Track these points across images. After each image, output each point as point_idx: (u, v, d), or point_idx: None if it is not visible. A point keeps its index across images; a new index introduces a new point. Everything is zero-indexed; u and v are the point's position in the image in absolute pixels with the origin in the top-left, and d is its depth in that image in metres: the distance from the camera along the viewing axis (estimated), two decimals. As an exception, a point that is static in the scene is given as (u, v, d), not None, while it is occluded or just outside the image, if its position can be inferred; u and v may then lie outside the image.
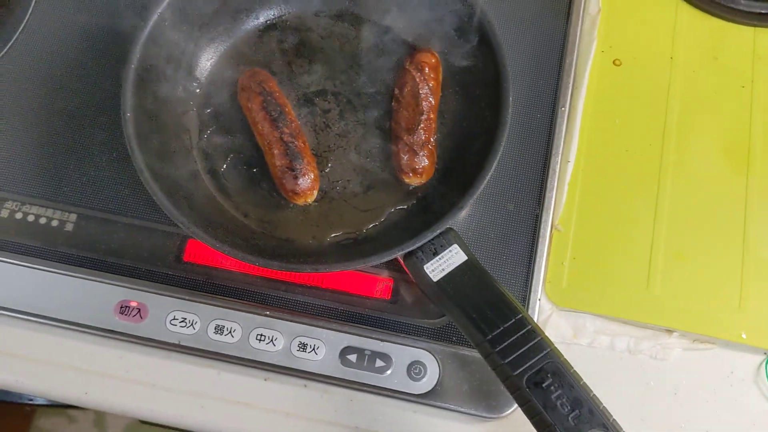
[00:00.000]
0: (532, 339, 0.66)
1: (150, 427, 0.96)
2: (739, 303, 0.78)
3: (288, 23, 0.89)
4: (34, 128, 0.86)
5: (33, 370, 0.77)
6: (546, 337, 0.67)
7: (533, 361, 0.65)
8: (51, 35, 0.91)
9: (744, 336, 0.77)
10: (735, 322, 0.78)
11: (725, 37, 0.91)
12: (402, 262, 0.74)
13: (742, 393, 0.77)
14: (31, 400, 1.14)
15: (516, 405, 0.73)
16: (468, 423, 0.75)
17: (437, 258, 0.72)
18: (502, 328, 0.67)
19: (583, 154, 0.85)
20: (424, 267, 0.72)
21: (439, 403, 0.75)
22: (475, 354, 0.76)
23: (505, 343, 0.66)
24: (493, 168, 0.74)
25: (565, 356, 0.67)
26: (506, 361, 0.65)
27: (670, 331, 0.78)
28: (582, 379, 0.65)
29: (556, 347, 0.66)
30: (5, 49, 0.89)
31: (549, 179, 0.83)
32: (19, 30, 0.90)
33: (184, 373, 0.77)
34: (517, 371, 0.65)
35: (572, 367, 0.66)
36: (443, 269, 0.71)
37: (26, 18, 0.91)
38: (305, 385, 0.77)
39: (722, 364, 0.78)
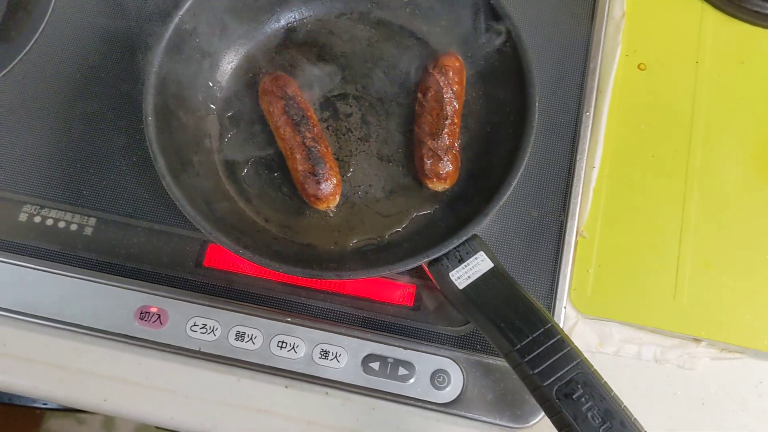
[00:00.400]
0: (561, 349, 0.65)
1: (160, 431, 0.95)
2: (768, 312, 0.77)
3: (309, 26, 0.88)
4: (53, 132, 0.85)
5: (51, 377, 0.76)
6: (576, 347, 0.66)
7: (563, 371, 0.64)
8: (70, 38, 0.90)
9: (773, 345, 0.76)
10: (764, 331, 0.76)
11: (752, 42, 0.90)
12: (426, 269, 0.73)
13: (771, 403, 0.76)
14: (45, 403, 1.13)
15: (542, 415, 0.71)
16: (493, 433, 0.74)
17: (463, 265, 0.71)
18: (530, 337, 0.66)
19: (608, 160, 0.83)
20: (450, 274, 0.70)
21: (463, 413, 0.74)
22: (499, 362, 0.75)
23: (534, 353, 0.65)
24: (520, 174, 0.73)
25: (591, 365, 0.66)
26: (535, 371, 0.64)
27: (697, 340, 0.77)
28: (613, 391, 0.64)
29: (585, 357, 0.65)
30: (24, 52, 0.88)
31: (574, 185, 0.82)
32: (38, 33, 0.89)
33: (204, 380, 0.76)
34: (547, 382, 0.64)
35: (603, 378, 0.65)
36: (469, 277, 0.70)
37: (45, 21, 0.90)
38: (327, 393, 0.76)
39: (751, 374, 0.77)
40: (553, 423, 0.64)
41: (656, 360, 0.77)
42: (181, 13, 0.79)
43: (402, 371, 0.75)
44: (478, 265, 0.71)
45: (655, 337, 0.78)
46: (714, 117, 0.86)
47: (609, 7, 0.90)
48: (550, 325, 0.66)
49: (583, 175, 0.82)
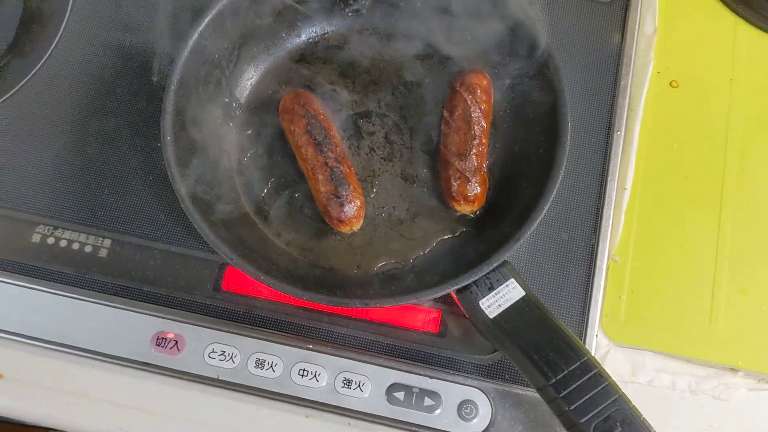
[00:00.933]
0: (599, 384, 0.62)
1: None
2: (809, 341, 0.74)
3: (331, 42, 0.86)
4: (67, 149, 0.82)
5: (64, 404, 0.74)
6: (613, 381, 0.63)
7: (601, 407, 0.61)
8: (85, 53, 0.87)
9: (814, 376, 0.73)
10: (804, 362, 0.73)
11: (787, 59, 0.87)
12: (455, 296, 0.70)
13: (812, 437, 0.73)
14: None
15: (575, 450, 0.69)
16: (523, 467, 0.71)
17: (493, 293, 0.68)
18: (566, 371, 0.63)
19: (640, 181, 0.81)
20: (480, 303, 0.68)
21: (491, 446, 0.71)
22: (529, 393, 0.72)
23: (570, 388, 0.62)
24: (552, 197, 0.70)
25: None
26: (572, 407, 0.61)
27: (734, 370, 0.74)
28: (653, 428, 0.61)
29: (624, 393, 0.62)
30: (37, 67, 0.86)
31: (605, 207, 0.79)
32: (52, 47, 0.87)
33: (222, 409, 0.73)
34: (584, 419, 0.61)
35: (642, 415, 0.62)
36: (500, 305, 0.68)
37: (59, 34, 0.88)
38: (349, 424, 0.73)
39: (790, 406, 0.74)
40: (590, 462, 0.61)
41: (691, 390, 0.74)
42: (200, 28, 0.76)
43: (428, 401, 0.72)
44: (510, 293, 0.68)
45: (689, 367, 0.75)
46: (750, 136, 0.83)
47: (640, 23, 0.87)
48: (586, 358, 0.63)
49: (614, 197, 0.79)
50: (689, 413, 0.73)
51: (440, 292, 0.68)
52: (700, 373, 0.75)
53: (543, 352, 0.64)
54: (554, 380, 0.63)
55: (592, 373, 0.63)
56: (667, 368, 0.75)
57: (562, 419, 0.62)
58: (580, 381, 0.62)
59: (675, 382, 0.74)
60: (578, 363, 0.63)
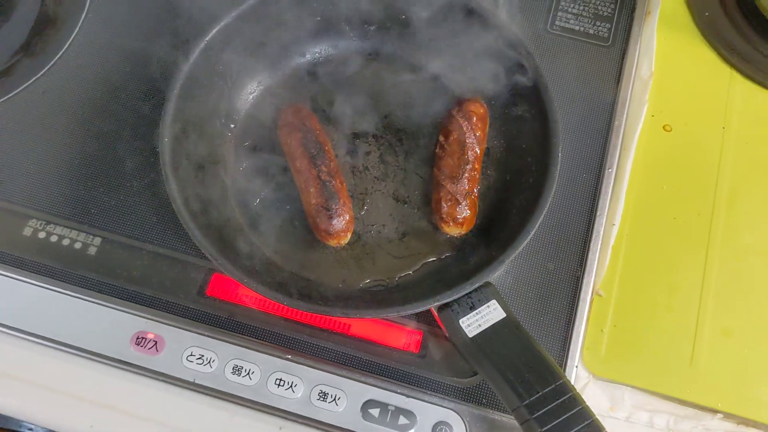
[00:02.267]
0: (573, 407, 0.62)
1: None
2: (789, 388, 0.74)
3: (334, 64, 0.88)
4: (68, 148, 0.84)
5: (38, 397, 0.73)
6: (587, 406, 0.62)
7: (573, 431, 0.60)
8: (94, 57, 0.90)
9: (793, 423, 0.72)
10: (784, 408, 0.73)
11: (780, 111, 0.88)
12: (436, 314, 0.70)
13: (789, 486, 0.72)
14: (31, 429, 1.10)
15: (547, 477, 0.68)
16: (494, 493, 0.70)
17: (474, 313, 0.68)
18: (540, 393, 0.62)
19: (629, 218, 0.81)
20: (460, 321, 0.68)
21: (463, 470, 0.70)
22: (505, 419, 0.71)
23: (544, 410, 0.62)
24: (539, 223, 0.71)
25: (601, 430, 0.63)
26: (544, 429, 0.61)
27: (713, 412, 0.74)
28: (624, 456, 0.61)
29: (597, 418, 0.62)
30: (46, 68, 0.88)
31: (592, 241, 0.79)
32: (63, 50, 0.90)
33: (196, 414, 0.73)
34: (555, 441, 0.60)
35: (614, 442, 0.61)
36: (480, 325, 0.68)
37: (71, 38, 0.90)
38: (321, 438, 0.72)
39: (769, 453, 0.73)
40: (560, 486, 0.60)
41: (669, 429, 0.73)
42: (207, 38, 0.78)
43: (402, 420, 0.71)
44: (490, 313, 0.68)
45: (668, 405, 0.74)
46: (739, 183, 0.84)
47: (637, 67, 0.89)
48: (561, 381, 0.63)
49: (602, 232, 0.80)
50: (666, 453, 0.73)
51: (421, 308, 0.68)
52: (679, 412, 0.74)
53: (519, 373, 0.64)
54: (528, 401, 0.62)
55: (566, 396, 0.62)
56: (646, 405, 0.74)
57: (534, 441, 0.62)
58: (554, 403, 0.62)
59: (653, 420, 0.74)
60: (553, 385, 0.63)
